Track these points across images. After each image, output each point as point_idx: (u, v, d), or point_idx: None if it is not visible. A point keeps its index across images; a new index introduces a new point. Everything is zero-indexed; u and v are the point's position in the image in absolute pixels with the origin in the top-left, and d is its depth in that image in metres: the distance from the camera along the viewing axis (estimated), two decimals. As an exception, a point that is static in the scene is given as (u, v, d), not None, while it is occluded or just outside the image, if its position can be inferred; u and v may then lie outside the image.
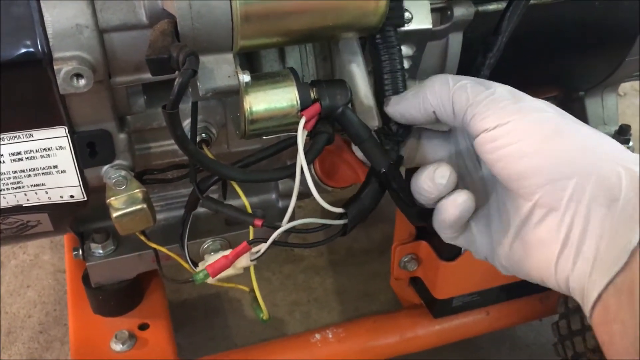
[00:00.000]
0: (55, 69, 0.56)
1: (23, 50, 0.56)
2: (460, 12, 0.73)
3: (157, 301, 0.94)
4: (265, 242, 0.62)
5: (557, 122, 0.51)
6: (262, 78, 0.61)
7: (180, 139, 0.56)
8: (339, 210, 0.64)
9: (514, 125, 0.51)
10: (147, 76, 0.62)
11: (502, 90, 0.54)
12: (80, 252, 0.82)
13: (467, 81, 0.56)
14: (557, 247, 0.50)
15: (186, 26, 0.54)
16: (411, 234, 0.97)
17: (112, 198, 0.69)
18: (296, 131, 0.60)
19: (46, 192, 0.68)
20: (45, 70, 0.56)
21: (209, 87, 0.56)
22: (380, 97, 0.64)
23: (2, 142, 0.62)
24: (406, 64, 0.78)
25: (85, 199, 0.70)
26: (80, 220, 0.82)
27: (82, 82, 0.56)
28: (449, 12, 0.73)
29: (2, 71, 0.56)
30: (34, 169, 0.66)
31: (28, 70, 0.56)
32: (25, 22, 0.55)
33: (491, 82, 0.56)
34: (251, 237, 0.67)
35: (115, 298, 0.89)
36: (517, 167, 0.51)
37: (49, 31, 0.56)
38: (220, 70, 0.57)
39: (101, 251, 0.81)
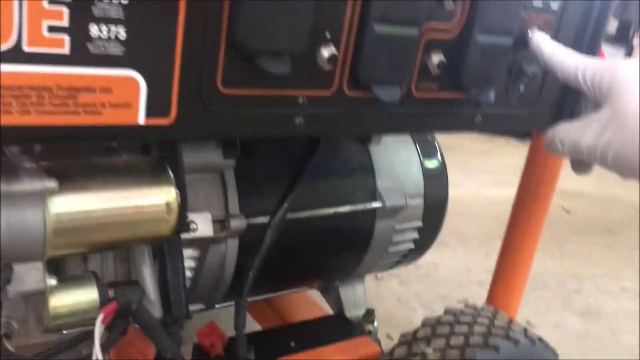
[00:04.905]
0: None
1: None
2: (236, 223, 0.92)
3: None
4: None
5: None
6: (67, 280, 0.72)
7: (-11, 336, 0.65)
8: (131, 391, 0.74)
9: None
10: (-42, 279, 0.70)
11: None
12: None
13: None
14: None
15: (4, 241, 0.65)
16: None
17: None
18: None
19: None
20: None
21: (18, 290, 0.67)
22: (165, 291, 0.79)
23: None
24: (193, 264, 0.94)
25: None
26: None
27: None
28: (226, 224, 0.92)
29: None
30: None
31: None
32: None
33: None
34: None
35: None
36: None
37: None
38: (29, 276, 0.68)
39: None
